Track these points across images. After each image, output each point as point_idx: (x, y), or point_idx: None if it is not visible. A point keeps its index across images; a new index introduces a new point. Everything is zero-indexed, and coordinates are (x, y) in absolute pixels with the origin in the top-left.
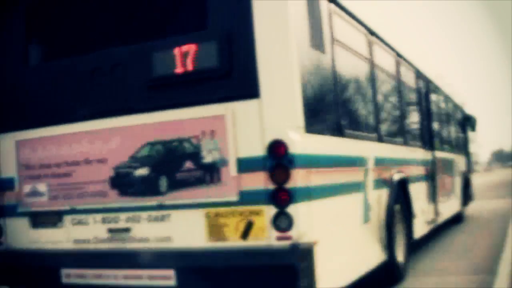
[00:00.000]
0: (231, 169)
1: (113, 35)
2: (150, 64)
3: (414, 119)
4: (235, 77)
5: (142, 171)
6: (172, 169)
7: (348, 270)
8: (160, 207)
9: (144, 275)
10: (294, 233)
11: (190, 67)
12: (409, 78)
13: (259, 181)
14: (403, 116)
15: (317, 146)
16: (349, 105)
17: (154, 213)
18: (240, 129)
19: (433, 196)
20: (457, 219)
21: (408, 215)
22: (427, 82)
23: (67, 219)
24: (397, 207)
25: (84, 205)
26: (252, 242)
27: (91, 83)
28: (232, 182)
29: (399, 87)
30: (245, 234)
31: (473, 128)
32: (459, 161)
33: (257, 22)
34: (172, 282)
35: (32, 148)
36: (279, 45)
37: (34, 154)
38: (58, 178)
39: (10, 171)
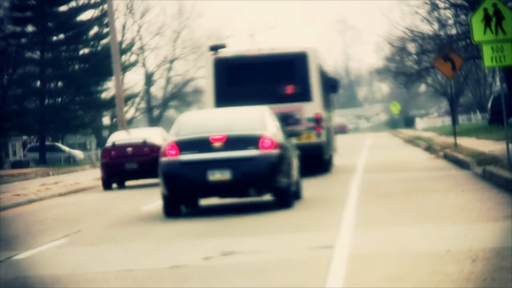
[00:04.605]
0: (304, 121)
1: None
2: (280, 90)
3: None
4: (307, 97)
5: (276, 122)
6: (285, 121)
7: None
8: None
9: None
10: (321, 139)
11: (292, 91)
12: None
13: (312, 125)
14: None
15: (323, 113)
16: (324, 93)
17: None
18: (307, 109)
19: (333, 137)
20: (328, 163)
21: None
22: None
23: None
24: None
25: None
26: (310, 141)
27: (263, 93)
28: (304, 124)
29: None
30: (308, 138)
31: (334, 90)
32: (333, 118)
33: (311, 85)
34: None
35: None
36: (316, 92)
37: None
38: None
39: None
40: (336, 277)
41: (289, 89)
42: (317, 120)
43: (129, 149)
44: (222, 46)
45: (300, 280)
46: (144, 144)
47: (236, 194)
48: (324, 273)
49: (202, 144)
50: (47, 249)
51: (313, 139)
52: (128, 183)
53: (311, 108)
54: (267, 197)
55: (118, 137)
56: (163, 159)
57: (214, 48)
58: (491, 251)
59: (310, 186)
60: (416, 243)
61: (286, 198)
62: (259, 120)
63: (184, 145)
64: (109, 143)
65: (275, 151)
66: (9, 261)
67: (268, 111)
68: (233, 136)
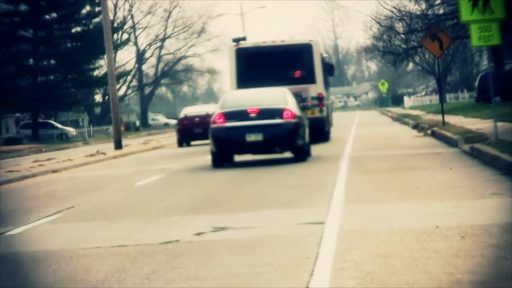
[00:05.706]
0: (309, 99)
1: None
2: (290, 74)
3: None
4: (312, 79)
5: (294, 99)
6: (296, 98)
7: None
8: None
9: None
10: (323, 114)
11: (299, 75)
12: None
13: (316, 102)
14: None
15: (324, 93)
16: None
17: None
18: (312, 90)
19: (331, 112)
20: (328, 134)
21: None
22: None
23: None
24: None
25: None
26: (315, 115)
27: (276, 76)
28: (310, 102)
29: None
30: (312, 113)
31: (330, 73)
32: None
33: (315, 70)
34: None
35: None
36: (319, 76)
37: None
38: None
39: None
40: (327, 254)
41: (297, 73)
42: (320, 99)
43: (197, 119)
44: (243, 39)
45: (291, 256)
46: (207, 115)
47: (266, 151)
48: (316, 249)
49: (241, 114)
50: (39, 225)
51: (317, 113)
52: (194, 142)
53: (315, 89)
54: (287, 154)
55: (189, 110)
56: (213, 126)
57: (236, 40)
58: (479, 228)
59: (316, 149)
60: (405, 220)
61: (302, 155)
62: (282, 97)
63: (228, 115)
64: (182, 114)
65: (294, 120)
66: (2, 237)
67: (288, 91)
68: (264, 108)
